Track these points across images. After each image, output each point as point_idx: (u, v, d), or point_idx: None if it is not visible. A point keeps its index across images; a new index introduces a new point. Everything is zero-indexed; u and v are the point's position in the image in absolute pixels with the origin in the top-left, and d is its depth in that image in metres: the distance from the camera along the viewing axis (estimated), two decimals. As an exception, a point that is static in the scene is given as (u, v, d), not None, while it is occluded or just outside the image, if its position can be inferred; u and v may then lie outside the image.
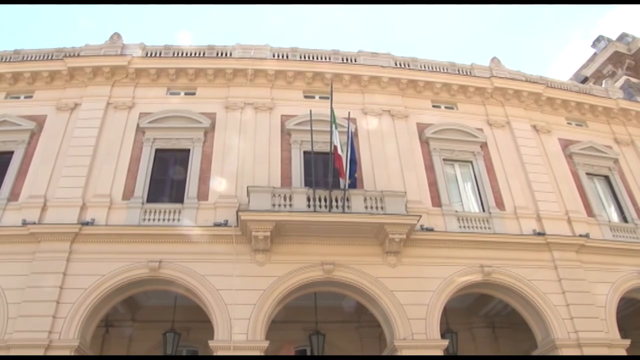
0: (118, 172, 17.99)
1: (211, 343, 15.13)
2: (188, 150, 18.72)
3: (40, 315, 14.88)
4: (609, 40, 32.35)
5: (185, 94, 20.46)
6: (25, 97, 20.22)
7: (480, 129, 20.94)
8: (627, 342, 17.02)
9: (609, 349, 16.46)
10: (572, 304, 17.01)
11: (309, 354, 19.34)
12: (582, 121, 23.21)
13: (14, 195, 17.46)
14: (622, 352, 16.67)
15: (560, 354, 16.18)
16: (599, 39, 33.59)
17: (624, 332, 17.70)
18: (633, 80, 27.38)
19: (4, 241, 16.24)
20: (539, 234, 18.19)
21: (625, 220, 20.59)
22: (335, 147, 16.78)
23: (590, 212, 20.01)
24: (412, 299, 16.14)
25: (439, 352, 15.72)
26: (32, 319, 14.81)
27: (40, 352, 14.30)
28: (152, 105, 19.72)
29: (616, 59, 30.26)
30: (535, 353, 17.29)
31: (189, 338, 18.70)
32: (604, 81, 28.34)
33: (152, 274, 15.91)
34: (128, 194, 17.59)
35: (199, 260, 16.05)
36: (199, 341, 18.07)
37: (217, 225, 16.60)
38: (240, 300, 15.50)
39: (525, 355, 11.83)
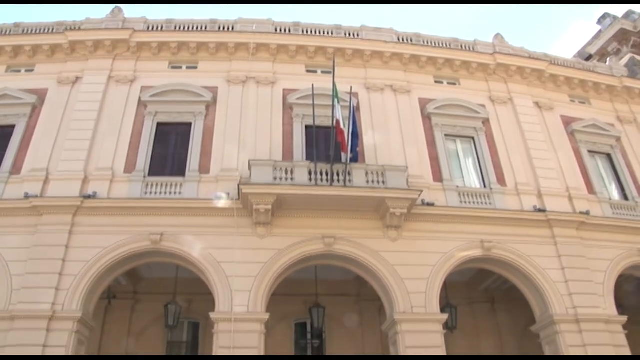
0: (120, 145, 17.99)
1: (212, 315, 15.28)
2: (190, 124, 18.69)
3: (43, 287, 15.02)
4: (615, 18, 31.98)
5: (187, 67, 20.37)
6: (26, 71, 20.13)
7: (483, 105, 20.85)
8: (624, 318, 17.16)
9: (606, 325, 16.64)
10: (571, 280, 17.12)
11: (309, 327, 19.60)
12: (585, 99, 23.10)
13: (16, 169, 17.49)
14: (619, 328, 16.82)
15: (559, 330, 16.30)
16: (604, 16, 33.23)
17: (621, 308, 17.82)
18: (638, 58, 27.16)
19: (6, 214, 16.31)
20: (540, 210, 18.22)
21: (626, 198, 20.62)
22: (337, 122, 16.75)
23: (591, 189, 20.03)
24: (412, 273, 16.24)
25: (438, 326, 15.87)
26: (36, 291, 14.96)
27: (43, 323, 14.46)
28: (153, 79, 19.64)
29: (621, 36, 29.92)
30: (534, 328, 17.47)
31: (190, 310, 18.94)
32: (608, 59, 28.08)
33: (154, 246, 16.00)
34: (130, 168, 17.62)
35: (201, 233, 16.11)
36: (200, 313, 18.27)
37: (217, 198, 16.58)
38: (241, 272, 15.61)
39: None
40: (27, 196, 16.36)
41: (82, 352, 15.40)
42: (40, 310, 14.64)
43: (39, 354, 14.06)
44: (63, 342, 14.43)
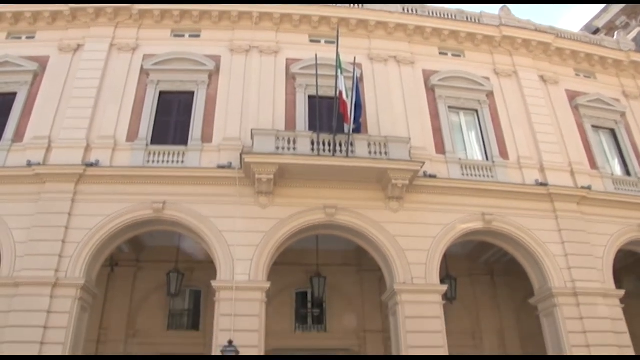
0: (122, 114, 17.91)
1: (214, 283, 15.43)
2: (192, 93, 18.57)
3: (46, 254, 15.15)
4: (624, -9, 31.44)
5: (190, 36, 20.15)
6: (26, 38, 19.90)
7: (487, 78, 20.67)
8: (622, 292, 17.32)
9: (604, 299, 16.79)
10: (570, 254, 17.23)
11: (309, 296, 19.82)
12: (591, 73, 22.86)
13: (18, 137, 17.43)
14: (616, 302, 16.99)
15: (557, 303, 16.46)
16: (613, -10, 32.66)
17: (619, 283, 17.98)
18: (646, 32, 26.81)
19: (9, 182, 16.34)
20: (542, 184, 18.21)
21: (628, 173, 20.56)
22: (340, 92, 16.63)
23: (593, 164, 19.97)
24: (413, 244, 16.33)
25: (438, 297, 16.02)
26: (39, 258, 15.09)
27: (47, 290, 14.63)
28: (156, 47, 19.44)
29: (630, 10, 29.41)
30: (532, 301, 17.63)
31: (192, 278, 19.13)
32: (616, 33, 27.70)
33: (156, 215, 16.06)
34: (132, 136, 17.57)
35: (203, 202, 16.17)
36: (202, 281, 18.45)
37: (220, 167, 16.65)
38: (242, 241, 15.70)
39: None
40: (29, 164, 16.36)
41: (86, 319, 15.61)
42: (44, 277, 14.79)
43: (43, 319, 14.26)
44: (67, 308, 14.62)
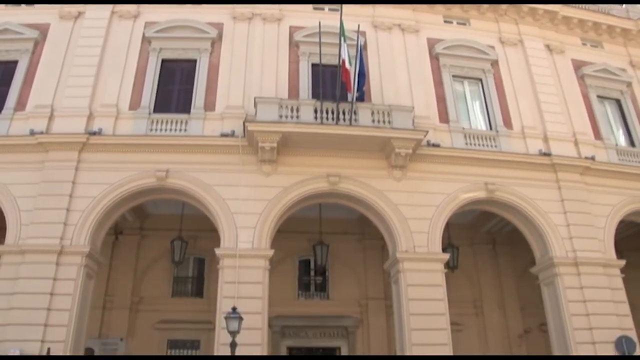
0: (124, 82, 17.79)
1: (217, 251, 15.55)
2: (195, 61, 18.40)
3: (51, 222, 15.27)
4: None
5: (192, 3, 19.79)
6: (26, 5, 19.59)
7: (492, 47, 20.40)
8: (622, 262, 17.45)
9: (604, 269, 16.95)
10: (572, 224, 17.30)
11: (312, 264, 20.00)
12: (598, 42, 22.53)
13: (20, 105, 17.36)
14: (617, 272, 17.15)
15: (557, 272, 16.59)
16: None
17: (620, 253, 18.05)
18: (656, 1, 26.30)
19: (13, 150, 16.37)
20: (545, 154, 18.17)
21: (632, 144, 20.46)
22: (344, 61, 16.46)
23: (598, 134, 19.85)
24: (416, 213, 16.40)
25: (440, 265, 16.17)
26: (44, 226, 15.21)
27: (52, 258, 14.80)
28: (157, 15, 19.18)
29: (639, -22, 28.94)
30: (533, 270, 17.76)
31: (196, 246, 19.29)
32: (624, 1, 27.22)
33: (160, 183, 16.11)
34: (135, 104, 17.49)
35: (206, 170, 16.20)
36: (205, 249, 18.59)
37: (224, 135, 16.63)
38: (246, 209, 15.79)
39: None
40: (32, 132, 16.35)
41: (91, 286, 15.82)
42: (49, 245, 14.93)
43: (50, 287, 14.47)
44: (72, 275, 14.80)
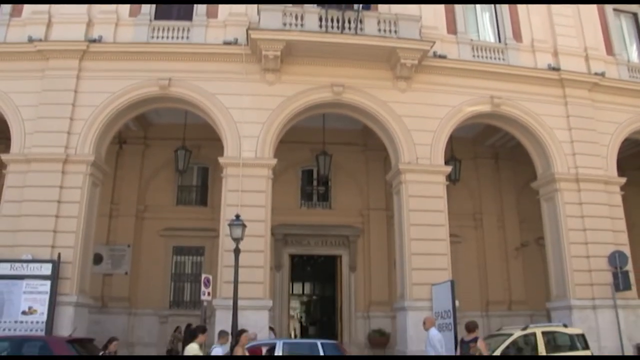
0: (123, -16, 17.18)
1: (221, 159, 15.69)
2: (196, -36, 17.68)
3: (55, 131, 15.35)
4: None
5: None
6: None
7: (506, -48, 19.44)
8: (623, 180, 17.61)
9: (605, 185, 17.14)
10: (576, 140, 17.31)
11: (315, 174, 20.16)
12: (618, -49, 21.44)
13: (16, 11, 16.91)
14: (617, 189, 17.35)
15: (558, 187, 16.77)
16: None
17: (622, 171, 18.17)
18: None
19: (12, 58, 16.15)
20: (554, 68, 17.83)
21: (645, 61, 19.98)
22: (350, -34, 15.83)
23: (610, 50, 19.34)
24: (419, 124, 16.37)
25: (442, 177, 16.35)
26: (48, 135, 15.30)
27: (58, 166, 15.01)
28: None
29: None
30: (534, 185, 17.95)
31: (199, 155, 19.40)
32: None
33: (162, 91, 16.00)
34: (135, 11, 17.01)
35: (209, 79, 16.04)
36: (209, 158, 18.75)
37: (226, 43, 16.30)
38: (249, 118, 15.76)
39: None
40: (30, 40, 16.04)
41: (97, 194, 16.11)
42: (54, 154, 15.10)
43: (56, 195, 14.79)
44: (78, 183, 15.07)
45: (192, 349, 9.52)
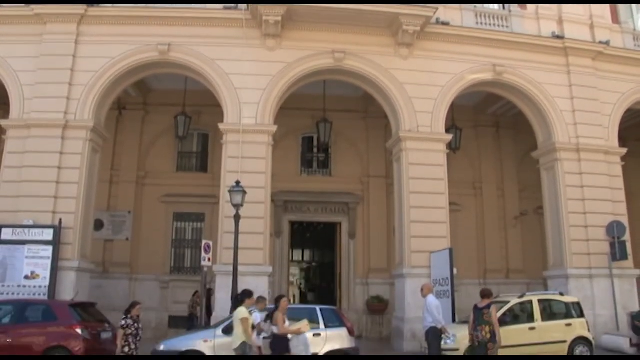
0: (118, -58, 16.81)
1: (221, 126, 15.65)
2: None
3: (54, 96, 15.27)
4: None
5: None
6: None
7: None
8: (624, 150, 17.63)
9: (605, 156, 17.14)
10: (578, 110, 17.23)
11: (315, 141, 20.09)
12: None
13: (13, -25, 16.57)
14: (617, 160, 17.36)
15: (558, 157, 16.78)
16: None
17: (623, 141, 18.14)
18: None
19: (10, 22, 15.94)
20: (558, 37, 17.60)
21: (652, 29, 19.70)
22: None
23: (616, 18, 19.10)
24: (421, 92, 16.28)
25: (442, 146, 16.35)
26: (47, 100, 15.21)
27: (58, 132, 14.97)
28: None
29: None
30: (535, 154, 17.95)
31: (199, 121, 19.31)
32: None
33: (162, 57, 15.86)
34: (134, -28, 16.70)
35: (209, 44, 15.87)
36: (209, 124, 18.68)
37: (227, 8, 16.05)
38: (249, 84, 15.67)
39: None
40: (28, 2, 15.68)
41: (97, 160, 16.11)
42: (54, 119, 15.04)
43: (57, 160, 14.80)
44: (78, 149, 15.05)
45: (241, 312, 9.54)
